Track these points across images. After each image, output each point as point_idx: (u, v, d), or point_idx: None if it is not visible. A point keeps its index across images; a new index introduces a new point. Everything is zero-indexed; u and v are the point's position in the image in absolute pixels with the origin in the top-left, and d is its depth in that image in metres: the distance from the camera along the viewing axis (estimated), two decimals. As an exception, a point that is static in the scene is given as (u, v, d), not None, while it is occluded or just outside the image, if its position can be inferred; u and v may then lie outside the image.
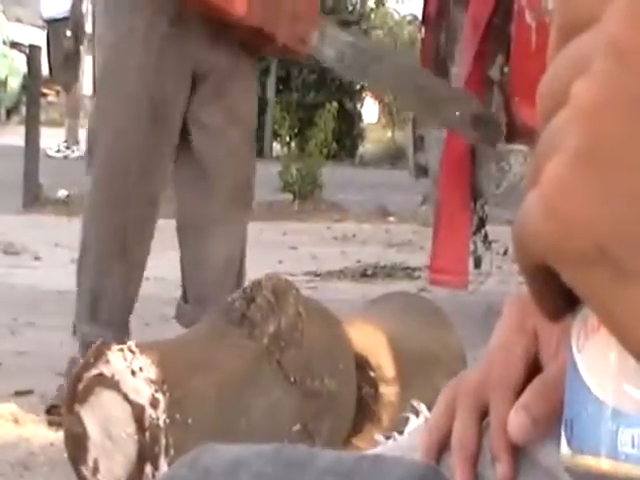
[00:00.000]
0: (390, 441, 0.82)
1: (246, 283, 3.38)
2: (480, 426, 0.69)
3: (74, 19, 10.85)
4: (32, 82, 8.83)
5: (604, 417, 0.47)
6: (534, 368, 0.69)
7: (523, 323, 0.71)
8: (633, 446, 0.46)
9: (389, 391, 3.35)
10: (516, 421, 0.62)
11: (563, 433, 0.50)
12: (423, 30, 5.86)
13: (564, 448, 0.50)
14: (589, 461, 0.48)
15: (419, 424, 0.82)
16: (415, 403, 1.02)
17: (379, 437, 1.01)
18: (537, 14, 4.37)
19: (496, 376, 0.69)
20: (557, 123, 0.41)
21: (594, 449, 0.47)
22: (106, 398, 2.93)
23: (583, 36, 0.41)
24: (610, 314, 0.40)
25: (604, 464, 0.47)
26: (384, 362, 3.33)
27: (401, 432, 0.87)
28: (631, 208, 0.38)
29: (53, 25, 11.13)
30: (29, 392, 3.50)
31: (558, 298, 0.44)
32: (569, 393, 0.50)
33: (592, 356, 0.47)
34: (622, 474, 0.46)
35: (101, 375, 2.90)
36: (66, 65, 10.93)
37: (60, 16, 10.85)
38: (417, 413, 1.01)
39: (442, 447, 0.69)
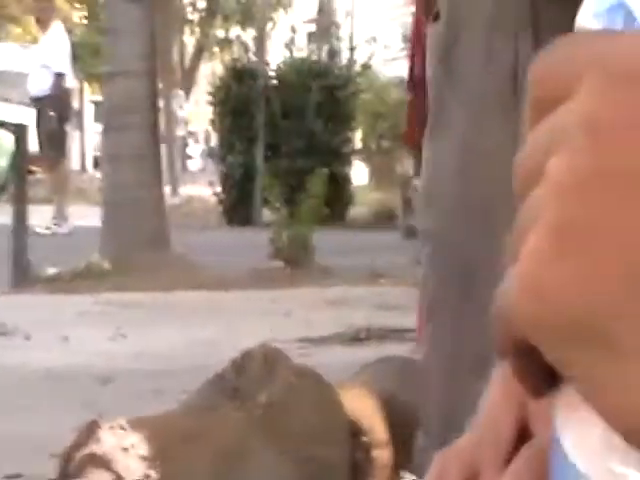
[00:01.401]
0: None
1: (238, 354, 3.36)
2: None
3: (57, 97, 11.08)
4: (19, 160, 8.93)
5: None
6: (524, 435, 0.68)
7: (512, 389, 0.71)
8: None
9: (382, 455, 3.31)
10: None
11: None
12: (409, 93, 5.69)
13: None
14: None
15: None
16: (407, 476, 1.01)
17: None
18: None
19: (486, 444, 0.70)
20: (534, 199, 0.41)
21: None
22: (98, 477, 2.88)
23: (558, 112, 0.41)
24: (596, 393, 0.39)
25: None
26: (376, 426, 3.30)
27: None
28: (608, 284, 0.38)
29: (39, 103, 11.39)
30: (18, 476, 3.48)
31: (540, 375, 0.43)
32: (554, 470, 0.49)
33: (576, 433, 0.46)
34: None
35: (92, 454, 2.86)
36: (50, 143, 11.12)
37: (44, 94, 11.09)
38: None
39: None
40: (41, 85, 11.14)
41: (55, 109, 11.09)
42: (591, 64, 0.41)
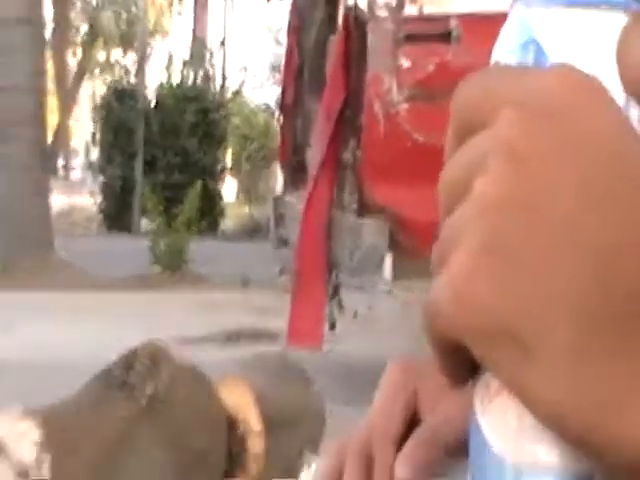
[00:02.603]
0: None
1: (121, 351, 3.32)
2: (367, 477, 0.69)
3: None
4: None
5: (505, 473, 0.47)
6: (413, 422, 0.69)
7: (404, 382, 0.72)
8: None
9: (256, 444, 3.31)
10: (399, 470, 0.63)
11: None
12: (281, 117, 5.97)
13: None
14: None
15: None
16: (307, 454, 1.01)
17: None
18: (385, 105, 4.51)
19: (379, 430, 0.70)
20: (459, 216, 0.42)
21: None
22: None
23: (477, 138, 0.42)
24: (517, 385, 0.41)
25: None
26: (251, 418, 3.31)
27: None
28: (527, 296, 0.40)
29: None
30: None
31: (463, 368, 0.45)
32: (473, 453, 0.49)
33: (494, 418, 0.47)
34: None
35: None
36: None
37: None
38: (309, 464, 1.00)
39: None
40: None
41: None
42: (508, 97, 0.42)
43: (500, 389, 0.44)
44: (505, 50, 0.47)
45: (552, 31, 0.47)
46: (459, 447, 0.62)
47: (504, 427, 0.45)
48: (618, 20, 0.46)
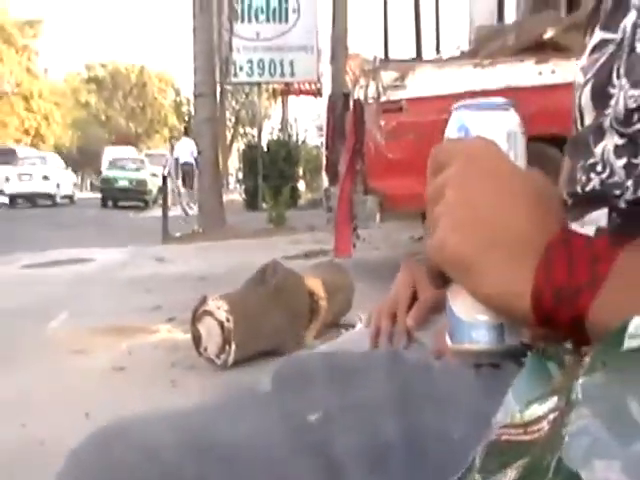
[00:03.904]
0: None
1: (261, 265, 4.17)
2: (394, 316, 0.92)
3: None
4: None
5: (463, 326, 0.63)
6: (414, 298, 0.91)
7: (410, 275, 0.94)
8: (478, 337, 0.62)
9: (322, 303, 4.37)
10: (408, 321, 0.88)
11: (447, 336, 0.65)
12: (325, 151, 7.49)
13: (449, 342, 0.64)
14: (462, 346, 0.63)
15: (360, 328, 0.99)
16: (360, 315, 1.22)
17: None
18: (374, 142, 5.67)
19: (399, 299, 0.93)
20: (437, 211, 0.59)
21: (461, 340, 0.63)
22: (208, 320, 3.82)
23: (440, 175, 0.60)
24: (468, 287, 0.59)
25: (467, 346, 0.63)
26: (320, 291, 4.37)
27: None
28: (468, 246, 0.58)
29: None
30: None
31: (442, 279, 0.61)
32: (448, 317, 0.64)
33: (455, 300, 0.63)
34: (475, 350, 0.63)
35: (204, 310, 3.82)
36: None
37: None
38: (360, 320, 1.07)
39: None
40: None
41: None
42: (453, 154, 0.60)
43: (459, 288, 0.61)
44: (451, 131, 0.64)
45: (473, 121, 0.64)
46: (435, 310, 0.86)
47: (462, 304, 0.62)
48: (505, 114, 0.64)
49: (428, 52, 8.25)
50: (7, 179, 26.53)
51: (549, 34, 5.70)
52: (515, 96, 0.68)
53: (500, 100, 0.65)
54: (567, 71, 5.02)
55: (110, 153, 33.70)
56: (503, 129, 0.63)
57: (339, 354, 0.82)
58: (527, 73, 5.49)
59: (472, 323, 0.62)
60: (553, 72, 5.39)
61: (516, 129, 0.64)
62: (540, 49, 5.67)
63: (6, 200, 26.49)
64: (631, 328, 0.47)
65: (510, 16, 10.12)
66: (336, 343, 0.93)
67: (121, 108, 56.27)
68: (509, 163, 0.61)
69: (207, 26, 12.54)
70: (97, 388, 3.65)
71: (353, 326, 4.04)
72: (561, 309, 0.55)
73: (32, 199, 26.97)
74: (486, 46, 6.03)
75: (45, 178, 26.95)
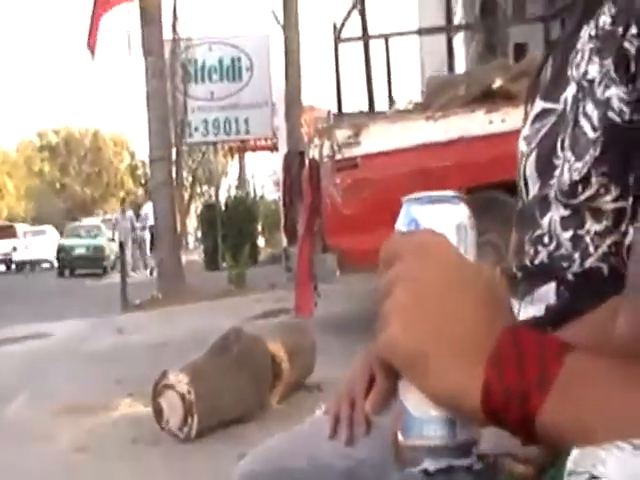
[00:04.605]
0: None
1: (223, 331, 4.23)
2: (351, 405, 0.95)
3: None
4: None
5: (414, 421, 0.63)
6: (372, 383, 0.86)
7: (368, 362, 0.95)
8: (429, 432, 0.62)
9: (285, 366, 4.43)
10: (367, 406, 0.77)
11: (399, 432, 0.65)
12: (284, 208, 7.54)
13: (400, 437, 0.65)
14: (414, 442, 0.63)
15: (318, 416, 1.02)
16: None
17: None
18: (331, 199, 5.78)
19: (356, 383, 0.95)
20: (386, 307, 0.60)
21: (412, 435, 0.63)
22: (169, 395, 3.86)
23: (390, 270, 0.60)
24: (418, 384, 0.60)
25: (418, 442, 0.63)
26: (282, 354, 4.42)
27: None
28: (417, 342, 0.59)
29: None
30: None
31: (394, 373, 0.62)
32: (399, 411, 0.64)
33: (406, 394, 0.63)
34: (426, 446, 0.63)
35: (165, 384, 3.88)
36: None
37: None
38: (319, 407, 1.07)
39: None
40: None
41: None
42: (402, 248, 0.61)
43: (408, 383, 0.62)
44: (401, 224, 0.66)
45: (423, 214, 0.65)
46: (394, 393, 0.74)
47: (412, 399, 0.62)
48: (455, 208, 0.66)
49: (381, 102, 8.26)
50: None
51: (498, 83, 5.80)
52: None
53: (450, 193, 0.66)
54: (517, 119, 5.07)
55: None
56: (453, 222, 0.64)
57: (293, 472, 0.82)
58: (478, 123, 5.58)
59: (423, 418, 0.62)
60: (503, 121, 5.50)
61: (466, 222, 0.65)
62: (490, 98, 5.79)
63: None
64: (570, 465, 0.48)
65: (460, 65, 10.30)
66: (296, 431, 0.94)
67: (76, 174, 56.15)
68: (459, 256, 0.62)
69: (161, 90, 12.57)
70: (59, 473, 3.62)
71: (318, 387, 4.43)
72: (511, 408, 0.56)
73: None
74: (438, 97, 6.02)
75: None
